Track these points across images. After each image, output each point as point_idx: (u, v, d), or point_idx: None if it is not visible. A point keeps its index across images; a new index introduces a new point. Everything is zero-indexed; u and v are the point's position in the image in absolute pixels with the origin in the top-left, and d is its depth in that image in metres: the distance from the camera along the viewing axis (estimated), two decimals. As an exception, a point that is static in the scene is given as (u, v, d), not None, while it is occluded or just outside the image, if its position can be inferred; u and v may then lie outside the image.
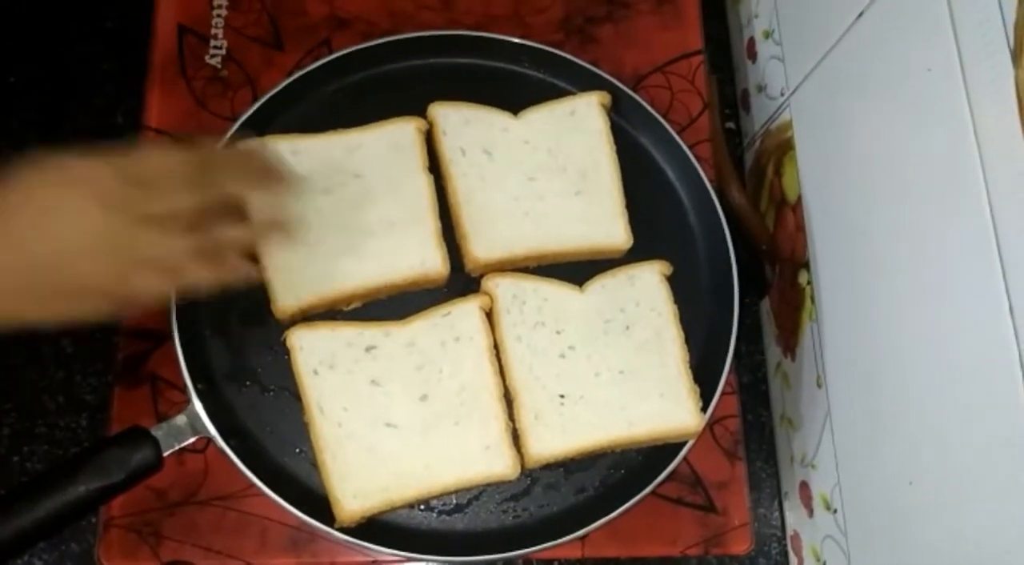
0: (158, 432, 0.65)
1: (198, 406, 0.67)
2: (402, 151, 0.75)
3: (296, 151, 0.74)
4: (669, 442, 0.73)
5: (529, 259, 0.76)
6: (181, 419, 0.67)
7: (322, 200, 0.73)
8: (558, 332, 0.72)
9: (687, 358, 0.74)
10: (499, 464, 0.69)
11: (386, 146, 0.75)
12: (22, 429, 0.78)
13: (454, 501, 0.72)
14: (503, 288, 0.73)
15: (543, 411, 0.71)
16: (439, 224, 0.74)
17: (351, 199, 0.73)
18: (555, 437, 0.70)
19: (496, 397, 0.70)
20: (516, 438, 0.71)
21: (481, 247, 0.74)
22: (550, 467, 0.73)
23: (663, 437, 0.72)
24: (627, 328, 0.73)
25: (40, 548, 0.75)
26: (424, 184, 0.75)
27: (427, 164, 0.76)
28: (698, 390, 0.73)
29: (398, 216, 0.74)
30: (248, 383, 0.73)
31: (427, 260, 0.73)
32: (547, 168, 0.77)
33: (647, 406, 0.71)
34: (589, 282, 0.75)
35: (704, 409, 0.73)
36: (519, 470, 0.70)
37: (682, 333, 0.74)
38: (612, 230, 0.76)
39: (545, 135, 0.78)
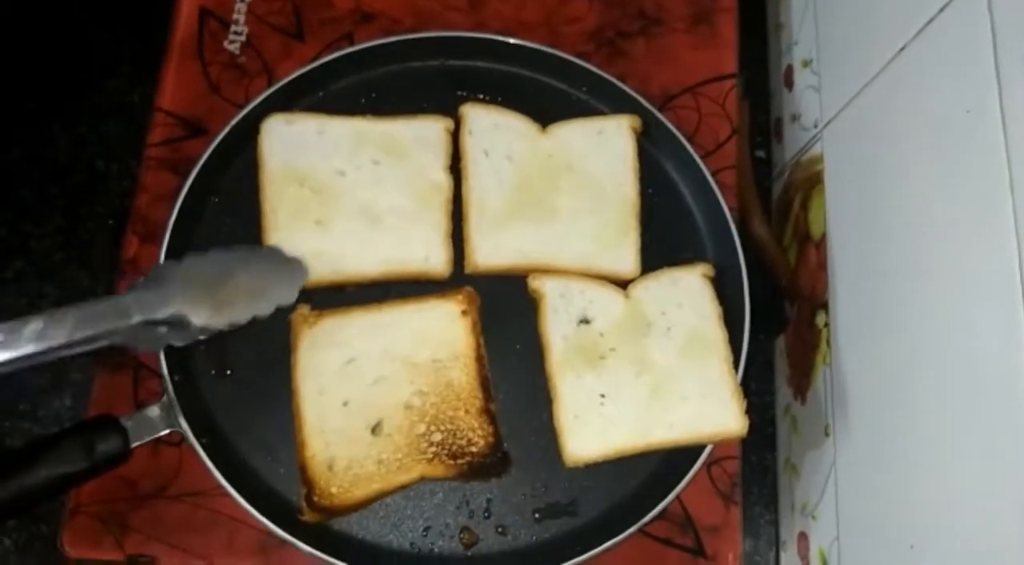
0: (128, 422, 0.63)
1: (173, 399, 0.65)
2: (427, 146, 0.75)
3: (322, 130, 0.74)
4: (711, 443, 0.70)
5: (528, 270, 0.73)
6: (154, 411, 0.65)
7: (337, 180, 0.73)
8: (601, 334, 0.71)
9: (731, 359, 0.71)
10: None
11: (412, 138, 0.75)
12: (4, 405, 0.76)
13: (421, 526, 0.69)
14: (551, 287, 0.72)
15: (583, 411, 0.69)
16: (450, 224, 0.73)
17: (366, 183, 0.73)
18: (595, 437, 0.69)
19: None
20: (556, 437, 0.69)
21: (483, 252, 0.73)
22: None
23: (705, 439, 0.70)
24: (668, 329, 0.72)
25: (10, 526, 0.74)
26: (443, 182, 0.74)
27: (449, 164, 0.75)
28: (741, 391, 0.70)
29: (410, 209, 0.73)
30: (227, 377, 0.70)
31: (431, 258, 0.72)
32: (566, 184, 0.75)
33: (689, 408, 0.70)
34: (632, 284, 0.74)
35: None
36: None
37: (726, 334, 0.72)
38: (621, 257, 0.74)
39: (570, 151, 0.76)
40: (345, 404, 0.67)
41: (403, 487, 0.67)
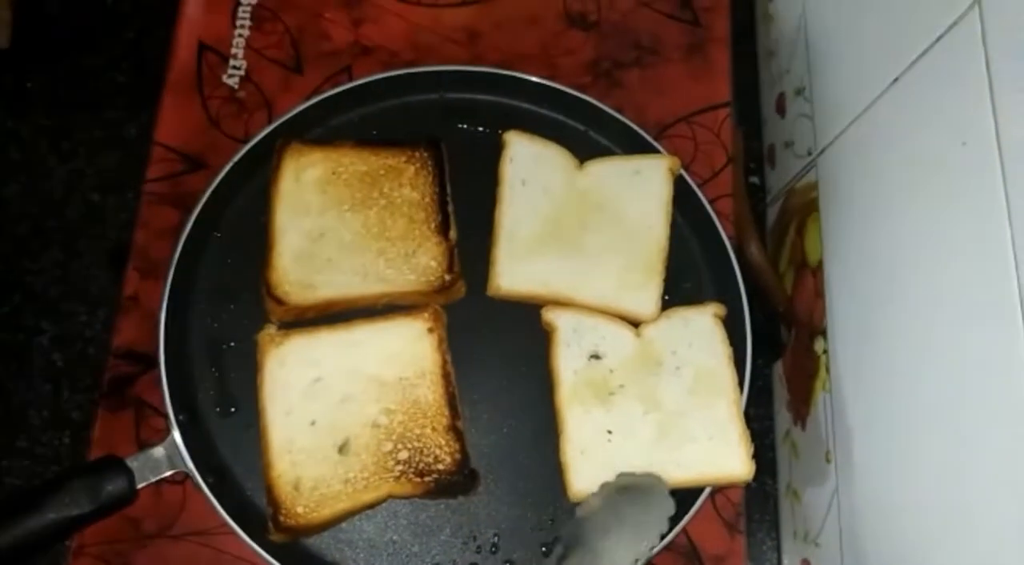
0: (134, 463, 0.63)
1: (178, 439, 0.65)
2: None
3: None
4: (716, 485, 0.70)
5: (549, 300, 0.74)
6: (159, 451, 0.64)
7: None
8: (611, 370, 0.72)
9: (740, 401, 0.71)
10: None
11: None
12: (3, 442, 0.76)
13: (429, 563, 0.69)
14: (564, 320, 0.72)
15: (590, 446, 0.69)
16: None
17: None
18: (600, 475, 0.68)
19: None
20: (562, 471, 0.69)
21: (507, 278, 0.73)
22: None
23: (709, 482, 0.70)
24: (678, 369, 0.72)
25: (11, 570, 0.73)
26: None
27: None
28: (749, 435, 0.70)
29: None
30: (232, 415, 0.70)
31: None
32: (598, 222, 0.76)
33: (695, 449, 0.70)
34: (644, 322, 0.74)
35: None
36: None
37: (736, 376, 0.72)
38: (642, 299, 0.74)
39: (604, 189, 0.77)
40: (312, 423, 0.67)
41: (370, 506, 0.67)
